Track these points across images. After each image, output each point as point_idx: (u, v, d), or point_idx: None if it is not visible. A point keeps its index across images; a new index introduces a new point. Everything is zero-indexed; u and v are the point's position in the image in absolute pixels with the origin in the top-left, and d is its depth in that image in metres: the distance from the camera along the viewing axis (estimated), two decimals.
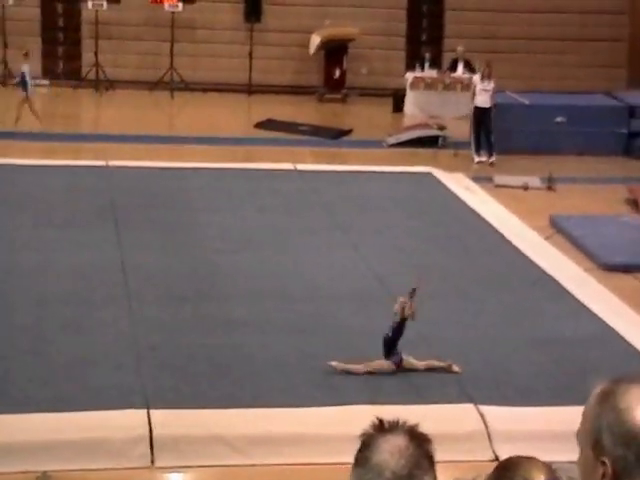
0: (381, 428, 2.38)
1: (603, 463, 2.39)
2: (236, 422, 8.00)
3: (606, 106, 18.50)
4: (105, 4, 21.13)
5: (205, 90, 21.58)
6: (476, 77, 17.25)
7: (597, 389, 2.53)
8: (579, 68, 21.93)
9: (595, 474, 2.41)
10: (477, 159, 17.18)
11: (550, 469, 2.59)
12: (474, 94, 17.16)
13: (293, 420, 8.04)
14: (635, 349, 9.66)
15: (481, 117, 17.10)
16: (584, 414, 2.55)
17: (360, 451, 2.39)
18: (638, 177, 16.42)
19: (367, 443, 2.38)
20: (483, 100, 17.09)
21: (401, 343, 9.14)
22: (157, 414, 7.92)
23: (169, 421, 7.91)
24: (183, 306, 10.24)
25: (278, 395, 8.41)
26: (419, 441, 2.38)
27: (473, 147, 17.25)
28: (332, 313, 10.21)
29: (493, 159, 17.04)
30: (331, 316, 10.14)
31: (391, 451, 2.34)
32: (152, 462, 7.63)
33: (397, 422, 2.39)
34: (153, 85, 21.43)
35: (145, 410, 7.94)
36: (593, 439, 2.45)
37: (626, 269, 12.10)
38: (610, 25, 22.55)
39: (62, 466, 7.47)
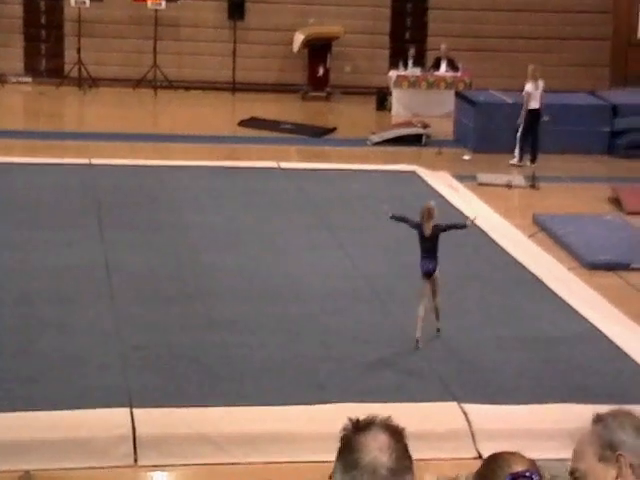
0: (357, 427, 2.40)
1: (620, 456, 2.54)
2: (220, 420, 8.00)
3: (589, 105, 18.57)
4: (88, 2, 21.08)
5: (188, 88, 21.56)
6: (528, 84, 17.03)
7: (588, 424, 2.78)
8: (562, 67, 22.01)
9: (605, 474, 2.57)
10: (515, 162, 17.03)
11: (532, 463, 2.66)
12: (528, 99, 16.95)
13: (277, 418, 8.05)
14: (618, 347, 9.71)
15: (535, 119, 17.01)
16: (580, 443, 2.72)
17: (345, 454, 2.40)
18: (621, 176, 16.50)
19: (350, 444, 2.39)
20: (536, 102, 16.97)
21: (388, 338, 9.18)
22: (140, 413, 7.91)
23: (152, 420, 7.91)
24: (168, 305, 10.24)
25: (264, 394, 8.41)
26: (397, 434, 2.41)
27: (518, 150, 17.09)
28: (317, 312, 10.23)
29: (535, 164, 16.88)
30: (316, 315, 10.15)
31: (380, 448, 2.36)
32: (135, 461, 7.62)
33: (372, 419, 2.42)
34: (136, 83, 21.40)
35: (128, 409, 7.94)
36: (603, 446, 2.60)
37: (609, 267, 12.16)
38: (593, 24, 22.64)
39: (45, 465, 7.46)
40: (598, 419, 2.72)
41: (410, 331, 9.70)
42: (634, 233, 13.48)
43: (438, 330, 9.66)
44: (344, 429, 2.42)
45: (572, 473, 2.70)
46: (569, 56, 22.39)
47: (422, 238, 9.54)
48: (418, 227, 9.54)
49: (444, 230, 9.58)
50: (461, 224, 9.84)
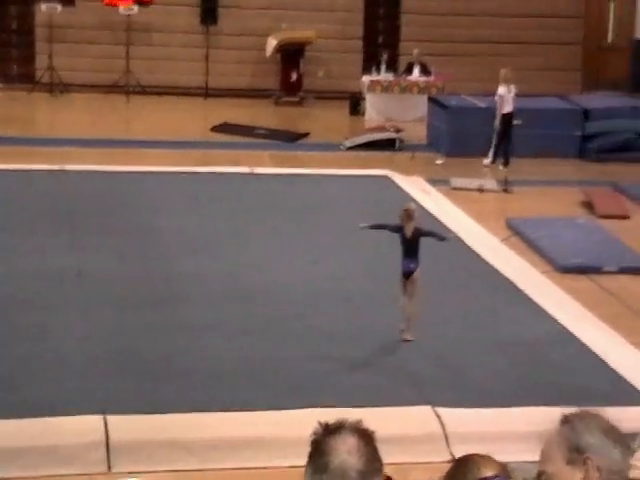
0: (327, 431, 2.41)
1: (587, 459, 2.55)
2: (194, 426, 7.98)
3: (561, 109, 18.69)
4: (59, 7, 21.00)
5: (161, 93, 21.53)
6: (501, 87, 17.11)
7: (555, 426, 2.77)
8: (535, 71, 22.12)
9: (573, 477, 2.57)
10: (488, 162, 17.14)
11: (503, 467, 2.67)
12: (502, 103, 17.04)
13: (251, 423, 8.04)
14: (590, 350, 9.76)
15: (507, 123, 17.07)
16: (547, 445, 2.71)
17: (315, 457, 2.41)
18: (592, 179, 16.60)
19: (320, 448, 2.40)
20: (509, 106, 17.05)
21: (362, 341, 9.21)
22: (114, 419, 7.88)
23: (126, 426, 7.88)
24: (142, 310, 10.20)
25: (238, 398, 8.40)
26: (366, 437, 2.42)
27: (492, 152, 17.17)
28: (292, 315, 10.22)
29: (508, 168, 16.96)
30: (291, 318, 10.15)
31: (349, 451, 2.37)
32: (109, 467, 7.59)
33: (341, 422, 2.42)
34: (109, 88, 21.34)
35: (101, 415, 7.90)
36: (570, 448, 2.61)
37: (581, 271, 12.22)
38: (565, 29, 22.78)
39: (17, 473, 7.41)
40: (565, 420, 2.72)
41: (385, 334, 9.73)
42: (606, 236, 13.56)
43: (406, 340, 9.63)
44: (314, 433, 2.43)
45: (539, 476, 2.71)
46: (541, 60, 22.51)
47: (403, 240, 9.59)
48: (399, 230, 9.58)
49: (425, 235, 9.63)
50: (441, 236, 9.89)
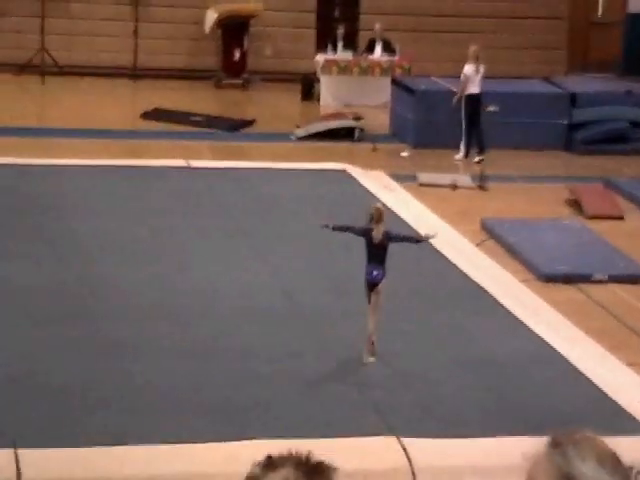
0: (268, 465, 2.42)
1: None
2: (116, 461, 7.96)
3: (544, 93, 18.86)
4: None
5: (82, 74, 21.44)
6: (468, 66, 17.26)
7: (542, 447, 2.77)
8: (513, 50, 22.30)
9: None
10: (461, 156, 17.28)
11: None
12: (466, 83, 17.19)
13: (185, 458, 8.03)
14: (576, 369, 9.85)
15: (474, 106, 17.21)
16: (534, 471, 2.73)
17: None
18: (580, 175, 16.75)
19: None
20: (475, 87, 17.21)
21: (313, 362, 9.22)
22: (26, 453, 7.85)
23: (40, 461, 7.85)
24: (55, 327, 10.15)
25: (169, 429, 8.39)
26: (309, 471, 2.42)
27: (464, 144, 17.31)
28: (231, 333, 10.23)
29: (482, 157, 17.10)
30: (231, 338, 10.15)
31: None
32: None
33: (287, 455, 2.43)
34: (20, 68, 21.23)
35: (12, 450, 7.87)
36: (560, 477, 2.63)
37: (567, 280, 12.34)
38: (548, 1, 22.95)
39: None
40: (555, 444, 2.73)
41: (343, 354, 9.76)
42: (596, 240, 13.70)
43: (366, 362, 9.67)
44: (255, 465, 2.43)
45: None
46: (520, 38, 22.69)
47: (370, 244, 9.55)
48: (366, 233, 9.55)
49: (396, 240, 9.60)
50: (415, 238, 9.89)
